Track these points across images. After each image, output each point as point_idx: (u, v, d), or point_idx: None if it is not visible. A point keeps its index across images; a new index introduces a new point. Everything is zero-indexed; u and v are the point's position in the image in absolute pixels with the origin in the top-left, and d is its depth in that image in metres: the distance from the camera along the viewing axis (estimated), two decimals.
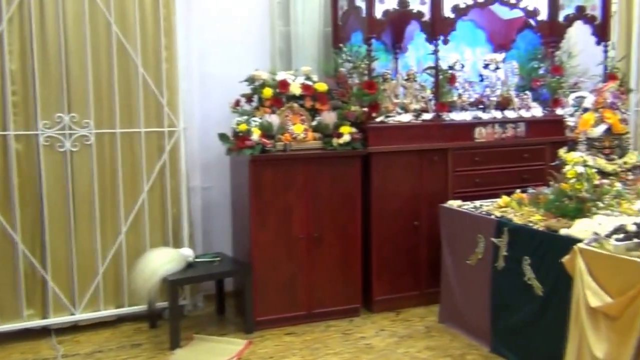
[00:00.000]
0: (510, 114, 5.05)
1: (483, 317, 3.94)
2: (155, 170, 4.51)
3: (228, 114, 4.62)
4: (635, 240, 2.77)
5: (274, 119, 4.36)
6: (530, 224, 3.59)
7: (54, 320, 4.34)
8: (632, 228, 2.89)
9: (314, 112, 4.57)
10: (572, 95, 4.41)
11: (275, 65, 4.99)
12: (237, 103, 4.59)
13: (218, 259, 4.55)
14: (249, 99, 4.58)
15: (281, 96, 4.51)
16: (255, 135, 4.26)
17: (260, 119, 4.39)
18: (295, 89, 4.52)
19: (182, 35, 4.61)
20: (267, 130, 4.32)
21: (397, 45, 5.31)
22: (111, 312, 4.50)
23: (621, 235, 2.85)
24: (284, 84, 4.48)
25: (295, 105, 4.50)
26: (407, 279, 4.76)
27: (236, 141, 4.31)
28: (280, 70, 4.79)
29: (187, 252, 4.42)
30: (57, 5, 4.17)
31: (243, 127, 4.27)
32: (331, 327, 4.43)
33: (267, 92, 4.45)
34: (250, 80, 4.57)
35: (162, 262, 4.20)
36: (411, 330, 4.36)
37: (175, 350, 4.05)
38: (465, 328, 4.18)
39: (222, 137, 4.49)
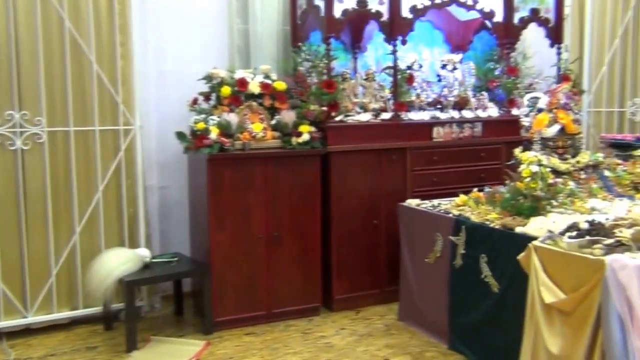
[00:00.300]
0: (467, 114, 5.11)
1: (441, 315, 3.98)
2: (111, 169, 4.43)
3: (186, 112, 4.56)
4: (588, 237, 2.83)
5: (233, 118, 4.32)
6: (487, 222, 3.63)
7: (5, 323, 4.21)
8: (585, 226, 2.95)
9: (273, 111, 4.55)
10: (527, 96, 4.49)
11: (233, 64, 4.95)
12: (195, 101, 4.54)
13: (175, 259, 4.49)
14: (207, 97, 4.54)
15: (240, 95, 4.47)
16: (214, 134, 4.22)
17: (219, 117, 4.34)
18: (254, 87, 4.49)
19: (138, 31, 4.52)
20: (225, 129, 4.28)
21: (356, 45, 5.33)
22: (65, 314, 4.40)
23: (574, 233, 2.90)
24: (242, 83, 4.45)
25: (254, 103, 4.46)
26: (366, 278, 4.78)
27: (194, 140, 4.26)
28: (238, 69, 4.75)
29: (144, 253, 4.35)
30: (7, 0, 4.05)
31: (201, 125, 4.23)
32: (291, 327, 4.42)
33: (226, 90, 4.41)
34: (208, 78, 4.52)
35: (117, 262, 4.12)
36: (371, 328, 4.37)
37: (132, 353, 3.98)
38: (424, 325, 4.22)
39: (180, 135, 4.43)
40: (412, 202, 4.38)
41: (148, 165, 4.76)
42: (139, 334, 4.12)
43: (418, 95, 5.08)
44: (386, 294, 4.78)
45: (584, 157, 4.19)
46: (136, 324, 4.14)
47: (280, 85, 4.56)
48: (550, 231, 3.05)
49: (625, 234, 2.84)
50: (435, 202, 4.34)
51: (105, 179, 4.42)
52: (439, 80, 5.29)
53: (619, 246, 2.74)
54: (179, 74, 4.85)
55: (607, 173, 4.24)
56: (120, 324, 4.39)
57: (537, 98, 4.29)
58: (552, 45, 5.44)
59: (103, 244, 4.42)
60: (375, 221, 4.75)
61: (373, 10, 4.64)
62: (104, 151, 4.41)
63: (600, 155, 4.33)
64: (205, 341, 4.14)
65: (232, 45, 5.06)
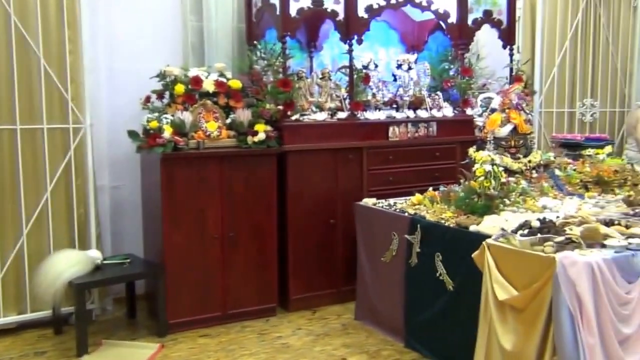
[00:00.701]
0: (422, 113, 5.14)
1: (397, 313, 3.99)
2: (60, 169, 4.31)
3: (138, 110, 4.48)
4: (539, 235, 2.87)
5: (187, 116, 4.26)
6: (442, 221, 3.66)
7: None
8: (536, 224, 2.99)
9: (228, 110, 4.50)
10: (481, 97, 4.56)
11: (187, 61, 4.88)
12: (148, 99, 4.46)
13: (128, 260, 4.40)
14: (160, 95, 4.46)
15: (194, 93, 4.40)
16: (167, 132, 4.15)
17: (172, 116, 4.27)
18: (209, 85, 4.43)
19: (87, 27, 4.40)
20: (179, 128, 4.21)
21: (312, 44, 5.31)
22: (12, 318, 4.27)
23: (526, 231, 2.94)
24: (196, 81, 4.39)
25: (209, 102, 4.40)
26: (323, 277, 4.77)
27: (147, 139, 4.17)
28: (193, 67, 4.69)
29: (95, 254, 4.25)
30: None
31: (154, 124, 4.15)
32: (247, 328, 4.38)
33: (179, 88, 4.34)
34: (162, 76, 4.45)
35: (67, 264, 4.02)
36: (328, 328, 4.36)
37: (82, 357, 3.89)
38: (380, 324, 4.23)
39: (132, 134, 4.34)
40: (368, 201, 4.39)
41: (99, 164, 4.65)
42: (90, 337, 4.02)
43: (374, 95, 5.09)
44: (343, 293, 4.77)
45: (536, 157, 4.28)
46: (87, 327, 4.03)
47: (236, 84, 4.51)
48: (503, 229, 3.09)
49: (575, 231, 2.89)
50: (391, 201, 4.35)
51: (54, 179, 4.30)
52: (395, 80, 5.31)
53: (569, 243, 2.79)
54: (131, 71, 4.76)
55: (557, 172, 4.33)
56: (71, 327, 4.28)
57: (490, 98, 4.36)
58: (504, 47, 5.51)
59: (52, 245, 4.30)
60: (332, 220, 4.74)
61: (329, 10, 4.63)
62: (52, 150, 4.29)
63: (551, 155, 4.43)
64: (159, 344, 4.07)
65: (186, 42, 4.98)
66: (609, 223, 3.10)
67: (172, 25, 4.98)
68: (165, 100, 4.46)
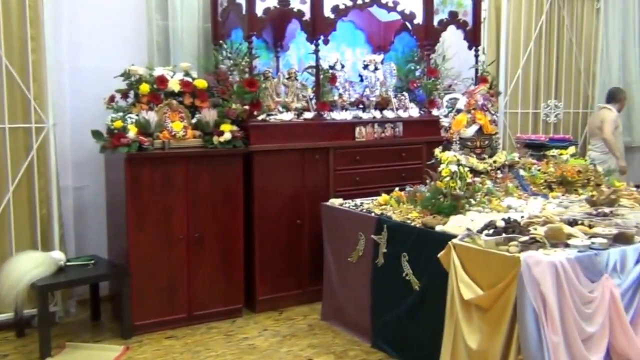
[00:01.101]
0: (389, 114, 5.17)
1: (364, 313, 4.00)
2: (22, 169, 4.23)
3: (102, 110, 4.40)
4: (504, 235, 2.90)
5: (152, 116, 4.21)
6: (408, 221, 3.68)
7: None
8: (501, 224, 3.03)
9: (193, 110, 4.46)
10: (446, 97, 4.59)
11: (152, 61, 4.81)
12: (112, 99, 4.39)
13: (92, 262, 4.33)
14: (124, 94, 4.39)
15: (159, 92, 4.36)
16: (132, 132, 4.10)
17: (137, 115, 4.22)
18: (174, 85, 4.38)
19: (50, 25, 4.32)
20: (144, 128, 4.16)
21: (278, 44, 5.29)
22: None
23: (491, 231, 2.97)
24: (162, 80, 4.34)
25: (174, 102, 4.36)
26: (290, 278, 4.76)
27: (111, 139, 4.11)
28: (158, 66, 4.64)
29: (58, 256, 4.17)
30: None
31: (118, 124, 4.10)
32: (213, 329, 4.35)
33: (144, 88, 4.29)
34: (126, 75, 4.39)
35: (29, 266, 3.94)
36: (294, 329, 4.36)
37: None
38: (347, 325, 4.23)
39: (96, 134, 4.27)
40: (334, 202, 4.39)
41: (62, 164, 4.57)
42: (53, 340, 3.94)
43: (340, 95, 5.09)
44: (310, 293, 4.77)
45: (501, 157, 4.32)
46: (50, 330, 3.95)
47: (201, 84, 4.48)
48: (468, 229, 3.12)
49: (539, 231, 2.93)
50: (358, 201, 4.36)
51: (16, 179, 4.21)
52: (361, 80, 5.33)
53: (533, 243, 2.83)
54: (95, 70, 4.69)
55: (522, 172, 4.40)
56: (33, 330, 4.19)
57: (455, 99, 4.39)
58: (470, 48, 5.57)
59: (14, 247, 4.22)
60: (299, 221, 4.73)
61: (295, 9, 4.63)
62: (14, 150, 4.20)
63: (515, 155, 4.49)
64: (123, 346, 4.02)
65: (151, 41, 4.91)
66: (572, 223, 3.15)
67: (137, 24, 4.92)
68: (130, 100, 4.40)
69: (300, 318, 4.56)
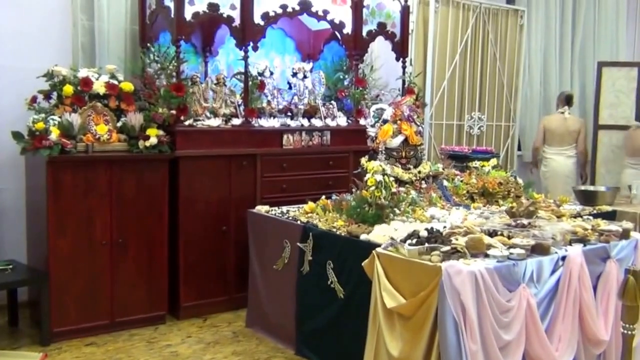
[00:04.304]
0: (317, 122, 5.21)
1: (289, 321, 4.00)
2: None
3: (24, 111, 4.26)
4: (427, 245, 2.97)
5: (75, 118, 4.09)
6: (334, 230, 3.71)
7: None
8: (424, 234, 3.09)
9: (119, 113, 4.37)
10: (373, 107, 4.65)
11: (77, 62, 4.68)
12: (34, 99, 4.24)
13: (10, 266, 4.20)
14: (47, 95, 4.26)
15: (83, 94, 4.25)
16: (54, 134, 3.97)
17: (60, 117, 4.10)
18: (99, 87, 4.29)
19: None
20: (66, 130, 4.04)
21: (207, 49, 5.25)
22: None
23: (414, 240, 3.03)
24: (86, 82, 4.23)
25: (99, 104, 4.26)
26: (215, 285, 4.72)
27: (32, 140, 3.97)
28: (83, 67, 4.52)
29: None
30: None
31: (40, 125, 3.96)
32: (135, 336, 4.26)
33: (68, 89, 4.17)
34: (49, 75, 4.25)
35: None
36: (218, 336, 4.32)
37: None
38: (271, 332, 4.23)
39: (16, 135, 4.12)
40: (261, 209, 4.38)
41: None
42: None
43: (269, 102, 5.09)
44: (235, 300, 4.75)
45: (425, 168, 4.42)
46: None
47: (127, 86, 4.39)
48: (392, 238, 3.17)
49: (461, 241, 3.01)
50: (284, 208, 4.37)
51: None
52: (290, 88, 5.34)
53: (455, 253, 2.90)
54: (17, 69, 4.53)
55: (445, 183, 4.50)
56: None
57: (382, 109, 4.46)
58: (397, 59, 5.67)
59: None
60: (225, 227, 4.70)
61: (225, 15, 4.60)
62: None
63: (439, 166, 4.59)
64: (42, 353, 3.90)
65: (75, 42, 4.76)
66: (492, 234, 3.25)
67: (61, 23, 4.75)
68: (53, 101, 4.27)
69: (225, 325, 4.53)
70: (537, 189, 6.94)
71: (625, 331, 2.62)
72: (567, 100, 6.90)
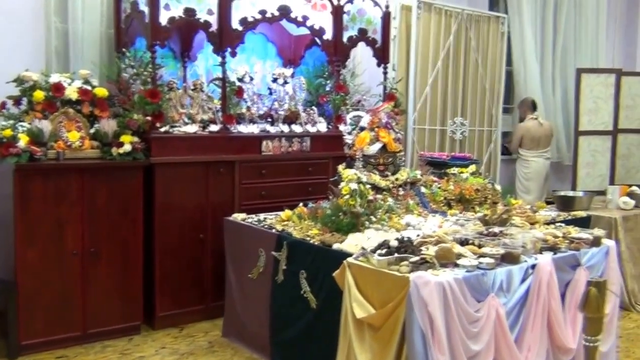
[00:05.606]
0: (297, 128, 5.15)
1: (264, 331, 3.94)
2: None
3: None
4: (397, 255, 2.92)
5: (45, 125, 4.03)
6: (308, 238, 3.65)
7: None
8: (394, 243, 3.04)
9: (93, 119, 4.30)
10: (350, 115, 4.60)
11: (50, 66, 4.59)
12: (3, 105, 4.16)
13: None
14: (16, 101, 4.17)
15: (55, 100, 4.17)
16: (23, 142, 3.90)
17: (30, 124, 4.03)
18: (72, 93, 4.21)
19: None
20: (36, 137, 3.98)
21: (185, 54, 5.19)
22: None
23: (384, 251, 2.98)
24: (58, 88, 4.15)
25: (71, 110, 4.19)
26: (192, 293, 4.65)
27: None
28: (57, 72, 4.44)
29: None
30: None
31: (7, 132, 3.88)
32: (108, 348, 4.19)
33: (39, 95, 4.10)
34: (19, 81, 4.16)
35: None
36: (193, 346, 4.25)
37: None
38: (247, 341, 4.17)
39: None
40: (237, 217, 4.32)
41: None
42: None
43: (248, 108, 5.04)
44: (212, 309, 4.68)
45: (403, 175, 4.37)
46: None
47: (101, 92, 4.32)
48: (363, 248, 3.12)
49: (431, 251, 2.96)
50: (262, 216, 4.31)
51: None
52: (270, 94, 5.28)
53: (424, 263, 2.85)
54: None
55: (423, 190, 4.45)
56: None
57: (359, 116, 4.41)
58: (378, 65, 5.63)
59: None
60: (202, 235, 4.64)
61: (201, 20, 4.53)
62: None
63: (418, 173, 4.54)
64: None
65: (49, 45, 4.66)
66: (463, 242, 3.20)
67: (34, 26, 4.63)
68: (23, 107, 4.18)
69: (201, 335, 4.46)
70: (519, 189, 7.02)
71: (588, 343, 2.57)
72: (533, 106, 7.19)
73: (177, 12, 4.42)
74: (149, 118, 4.38)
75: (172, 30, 4.47)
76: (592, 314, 2.53)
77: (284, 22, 5.20)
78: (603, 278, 2.78)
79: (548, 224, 4.00)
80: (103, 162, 4.20)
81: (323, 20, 5.22)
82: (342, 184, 3.69)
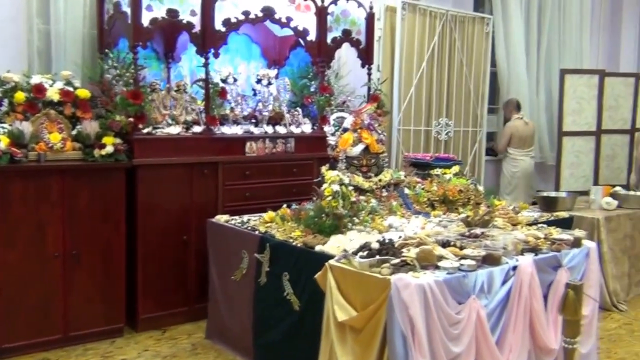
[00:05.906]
0: (281, 129, 5.14)
1: (246, 332, 3.93)
2: None
3: None
4: (378, 257, 2.92)
5: (26, 127, 3.99)
6: (291, 240, 3.64)
7: None
8: (375, 246, 3.04)
9: (75, 121, 4.27)
10: (333, 116, 4.60)
11: (33, 67, 4.56)
12: None
13: None
14: None
15: (36, 102, 4.14)
16: (3, 143, 3.87)
17: (10, 125, 3.99)
18: (53, 94, 4.18)
19: None
20: (17, 139, 3.94)
21: (169, 54, 5.15)
22: None
23: (365, 253, 2.98)
24: (39, 89, 4.13)
25: (52, 112, 4.16)
26: (175, 295, 4.63)
27: None
28: (39, 73, 4.41)
29: None
30: None
31: None
32: (89, 351, 4.16)
33: (19, 96, 4.07)
34: (0, 82, 4.13)
35: None
36: (176, 348, 4.24)
37: None
38: (230, 344, 4.16)
39: None
40: (220, 218, 4.30)
41: None
42: None
43: (232, 109, 5.02)
44: (196, 311, 4.66)
45: (386, 176, 4.38)
46: None
47: (83, 93, 4.30)
48: (345, 250, 3.12)
49: (412, 253, 2.96)
50: (245, 217, 4.30)
51: None
52: (255, 95, 5.27)
53: (405, 266, 2.85)
54: None
55: (407, 191, 4.46)
56: None
57: (342, 118, 4.42)
58: (363, 66, 5.62)
59: None
60: (185, 237, 4.62)
61: (184, 21, 4.51)
62: None
63: (401, 174, 4.54)
64: None
65: (31, 46, 4.63)
66: (445, 244, 3.20)
67: (15, 27, 4.59)
68: (4, 109, 4.14)
69: (185, 337, 4.44)
70: (504, 189, 7.06)
71: (567, 345, 2.58)
72: (518, 106, 7.27)
73: (160, 13, 4.39)
74: (131, 119, 4.36)
75: (154, 31, 4.44)
76: (570, 317, 2.54)
77: (268, 23, 5.18)
78: (581, 281, 2.79)
79: (530, 225, 4.02)
80: (85, 163, 4.17)
81: (307, 21, 5.21)
82: (325, 186, 3.68)
